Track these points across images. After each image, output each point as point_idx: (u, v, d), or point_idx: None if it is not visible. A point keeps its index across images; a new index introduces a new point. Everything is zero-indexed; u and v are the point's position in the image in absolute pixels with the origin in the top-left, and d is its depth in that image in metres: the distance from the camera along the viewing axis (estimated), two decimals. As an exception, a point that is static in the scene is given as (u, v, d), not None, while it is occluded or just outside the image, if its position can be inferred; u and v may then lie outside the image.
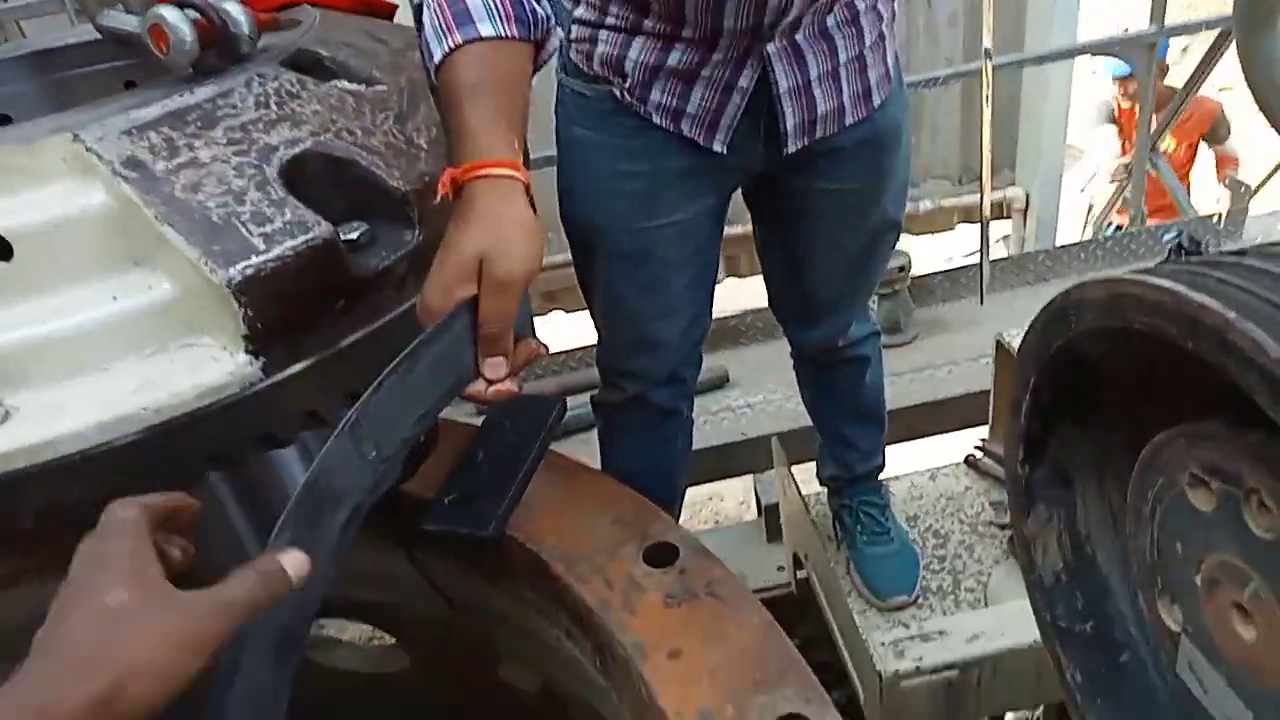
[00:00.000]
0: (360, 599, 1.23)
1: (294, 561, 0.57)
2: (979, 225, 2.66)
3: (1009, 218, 3.80)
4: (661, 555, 0.91)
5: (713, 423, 2.35)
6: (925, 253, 2.80)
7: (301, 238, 0.72)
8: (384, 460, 0.68)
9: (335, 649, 1.37)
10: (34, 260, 0.71)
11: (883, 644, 1.42)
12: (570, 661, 0.97)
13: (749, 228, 1.49)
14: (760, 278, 1.58)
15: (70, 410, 0.67)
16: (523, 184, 0.81)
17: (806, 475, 1.86)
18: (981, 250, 2.63)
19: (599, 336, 1.46)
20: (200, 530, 0.93)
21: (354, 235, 0.79)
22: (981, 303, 2.65)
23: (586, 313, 1.46)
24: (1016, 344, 1.73)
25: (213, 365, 0.70)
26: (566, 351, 2.61)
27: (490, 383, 0.79)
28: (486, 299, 0.76)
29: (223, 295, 0.69)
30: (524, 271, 0.77)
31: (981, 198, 2.65)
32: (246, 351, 0.70)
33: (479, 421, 1.05)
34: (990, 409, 2.01)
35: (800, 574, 1.85)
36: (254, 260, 0.70)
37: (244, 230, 0.72)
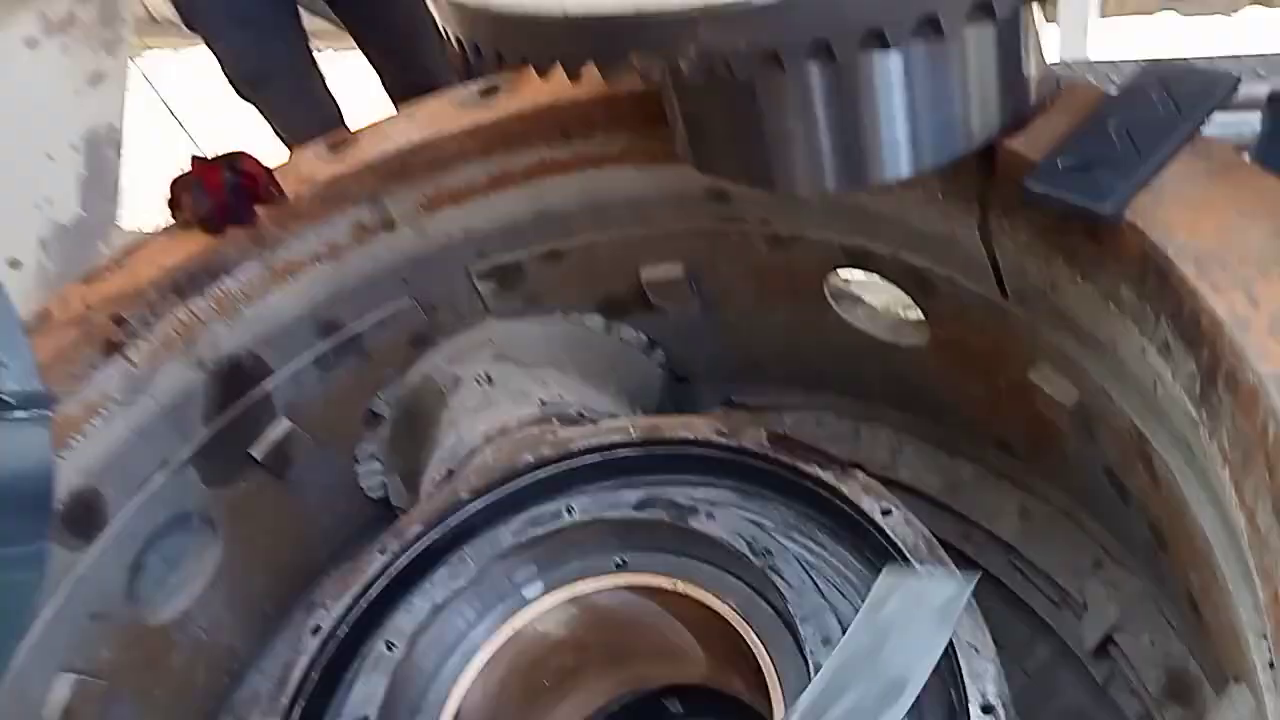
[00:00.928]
0: (904, 261, 1.18)
1: None
2: None
3: None
4: (1335, 292, 0.71)
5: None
6: None
7: None
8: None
9: (855, 307, 1.37)
10: None
11: None
12: (1142, 379, 0.84)
13: None
14: None
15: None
16: None
17: None
18: None
19: None
20: (772, 129, 0.91)
21: None
22: None
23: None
24: None
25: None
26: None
27: None
28: None
29: None
30: None
31: None
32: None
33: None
34: None
35: None
36: None
37: None
